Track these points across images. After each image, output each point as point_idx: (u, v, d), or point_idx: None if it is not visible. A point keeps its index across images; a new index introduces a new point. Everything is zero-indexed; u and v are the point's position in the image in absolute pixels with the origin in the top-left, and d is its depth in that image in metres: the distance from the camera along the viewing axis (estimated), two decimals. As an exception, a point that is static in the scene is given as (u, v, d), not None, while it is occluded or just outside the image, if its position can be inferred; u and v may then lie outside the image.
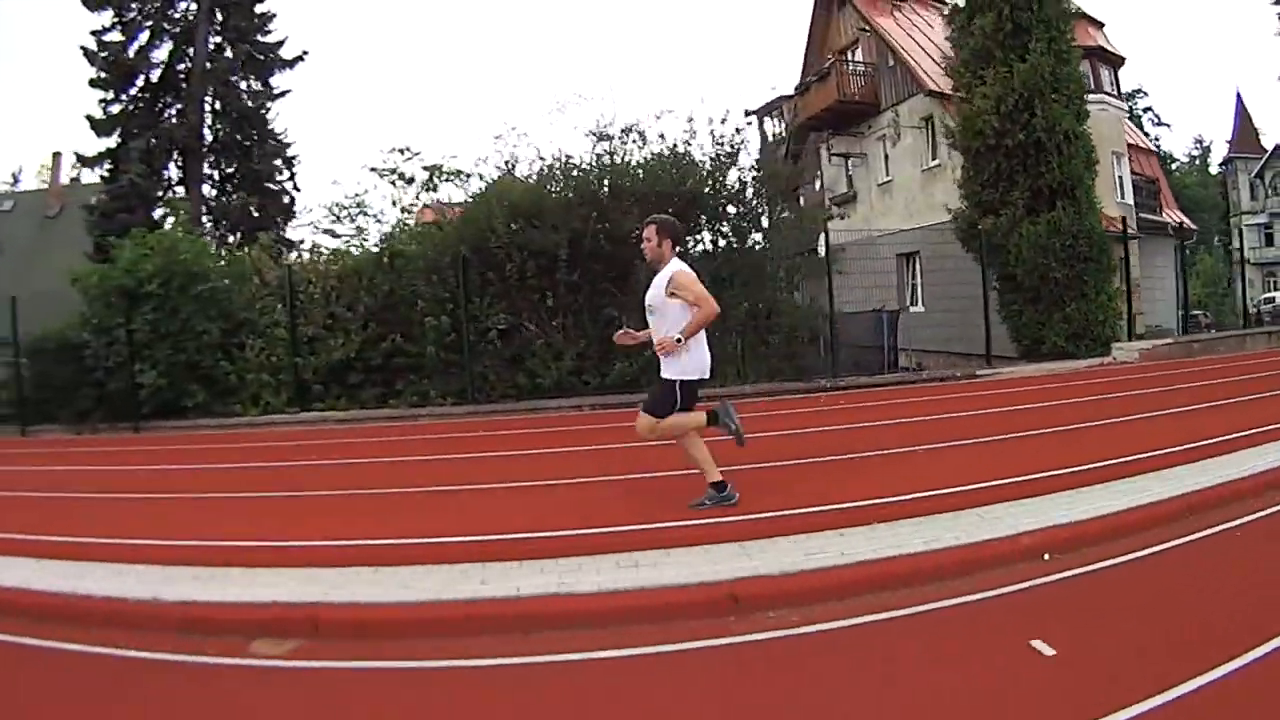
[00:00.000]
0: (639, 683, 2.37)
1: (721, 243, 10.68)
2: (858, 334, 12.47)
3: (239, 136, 13.90)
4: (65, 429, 10.62)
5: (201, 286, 9.95)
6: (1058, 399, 7.77)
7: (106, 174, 14.08)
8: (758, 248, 10.88)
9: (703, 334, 3.87)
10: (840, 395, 9.53)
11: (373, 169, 11.72)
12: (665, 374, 3.88)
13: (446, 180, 11.75)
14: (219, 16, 13.87)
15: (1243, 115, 37.85)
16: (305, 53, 13.99)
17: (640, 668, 2.45)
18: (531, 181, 10.29)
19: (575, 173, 10.09)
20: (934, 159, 15.01)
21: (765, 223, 11.20)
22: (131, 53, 13.63)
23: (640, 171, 10.09)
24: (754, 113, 19.21)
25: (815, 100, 15.88)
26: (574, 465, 5.71)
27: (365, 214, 11.55)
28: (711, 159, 10.43)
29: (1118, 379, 9.35)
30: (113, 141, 13.90)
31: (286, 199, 14.09)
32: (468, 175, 11.42)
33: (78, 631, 2.90)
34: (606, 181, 10.01)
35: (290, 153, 14.00)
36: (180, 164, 13.62)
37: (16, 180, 22.69)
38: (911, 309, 14.95)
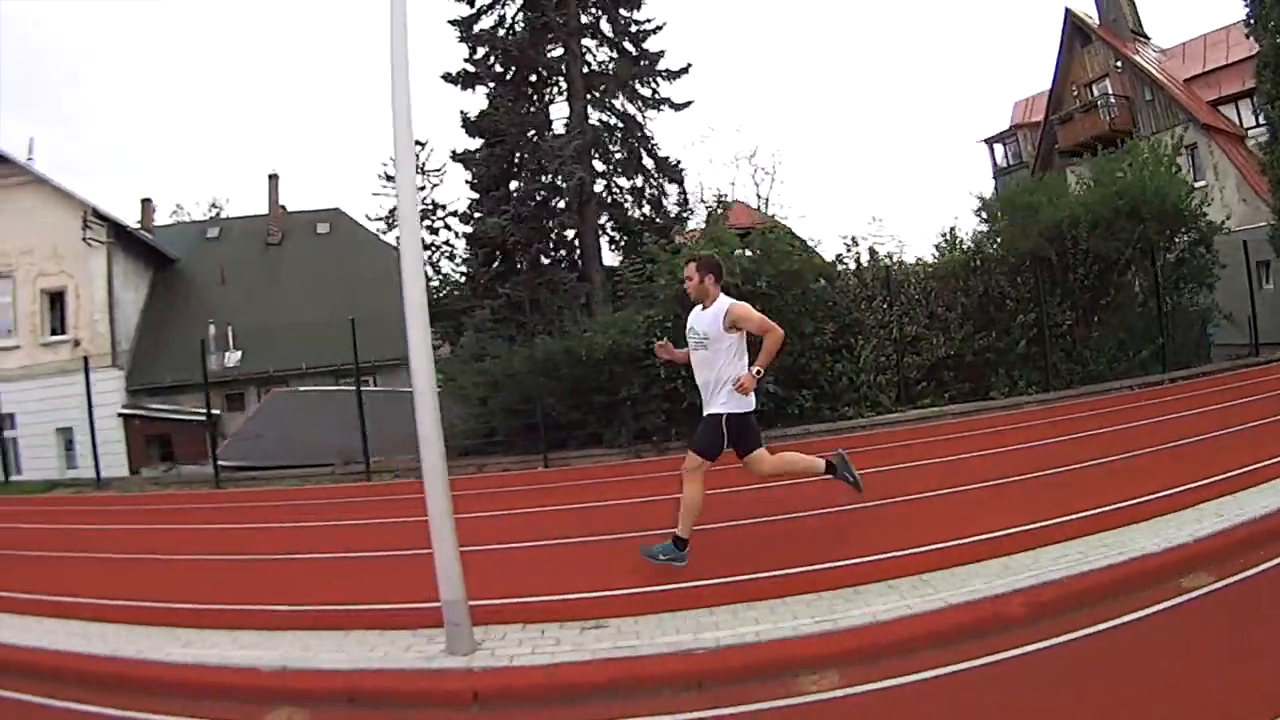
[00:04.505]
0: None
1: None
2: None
3: (631, 148, 14.32)
4: (617, 452, 10.43)
5: (813, 286, 10.64)
6: None
7: (473, 179, 13.92)
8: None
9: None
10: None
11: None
12: (719, 410, 4.18)
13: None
14: (594, 15, 14.30)
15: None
16: (689, 64, 14.67)
17: None
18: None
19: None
20: (1199, 181, 18.40)
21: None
22: (500, 39, 13.55)
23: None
24: (987, 141, 22.21)
25: (1080, 129, 18.96)
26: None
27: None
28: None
29: None
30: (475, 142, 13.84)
31: (674, 212, 14.56)
32: None
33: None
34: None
35: (680, 167, 14.52)
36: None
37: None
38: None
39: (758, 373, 4.11)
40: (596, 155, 14.05)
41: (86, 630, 4.27)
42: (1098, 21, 19.95)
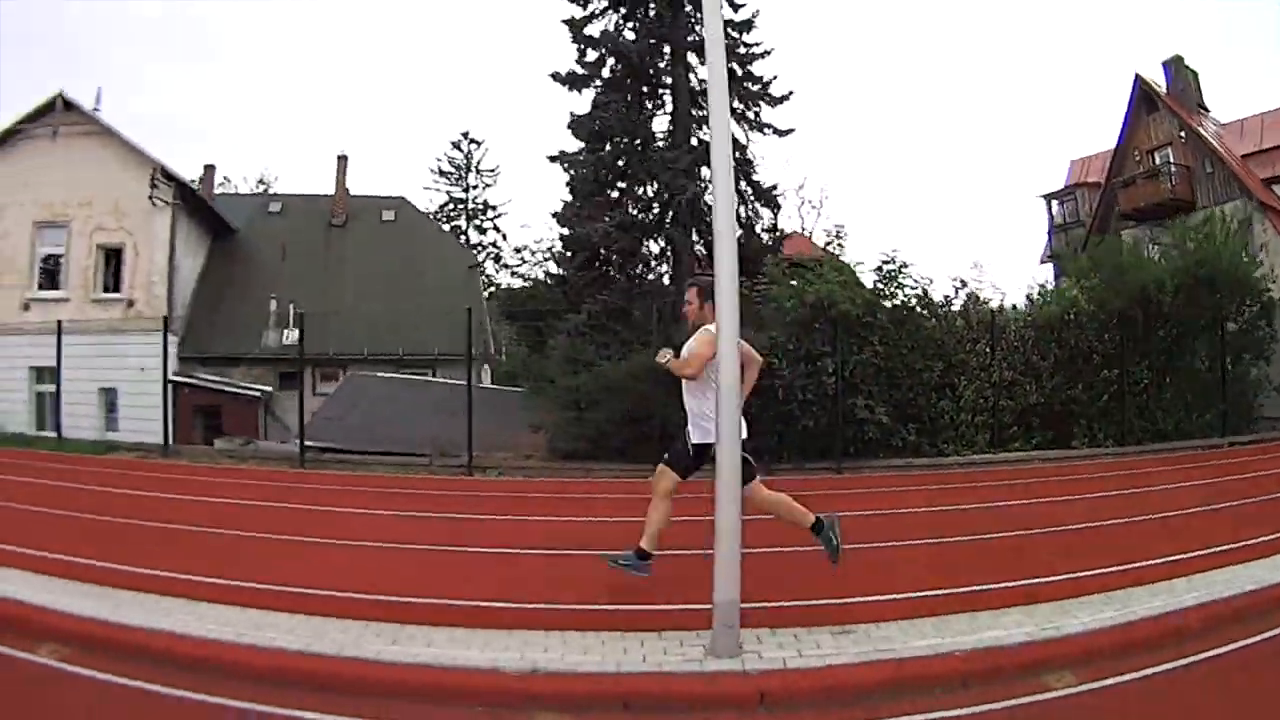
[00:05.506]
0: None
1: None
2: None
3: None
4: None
5: (926, 325, 11.34)
6: None
7: (572, 179, 14.50)
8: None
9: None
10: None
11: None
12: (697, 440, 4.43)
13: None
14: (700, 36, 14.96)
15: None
16: (791, 92, 15.38)
17: None
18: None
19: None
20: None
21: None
22: (619, 42, 14.15)
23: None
24: (1046, 196, 23.30)
25: (1141, 194, 20.04)
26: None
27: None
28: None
29: None
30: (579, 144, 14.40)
31: (767, 238, 15.20)
32: None
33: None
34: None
35: (775, 192, 15.21)
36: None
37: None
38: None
39: (665, 360, 4.42)
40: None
41: (264, 621, 3.98)
42: (1165, 90, 21.10)
